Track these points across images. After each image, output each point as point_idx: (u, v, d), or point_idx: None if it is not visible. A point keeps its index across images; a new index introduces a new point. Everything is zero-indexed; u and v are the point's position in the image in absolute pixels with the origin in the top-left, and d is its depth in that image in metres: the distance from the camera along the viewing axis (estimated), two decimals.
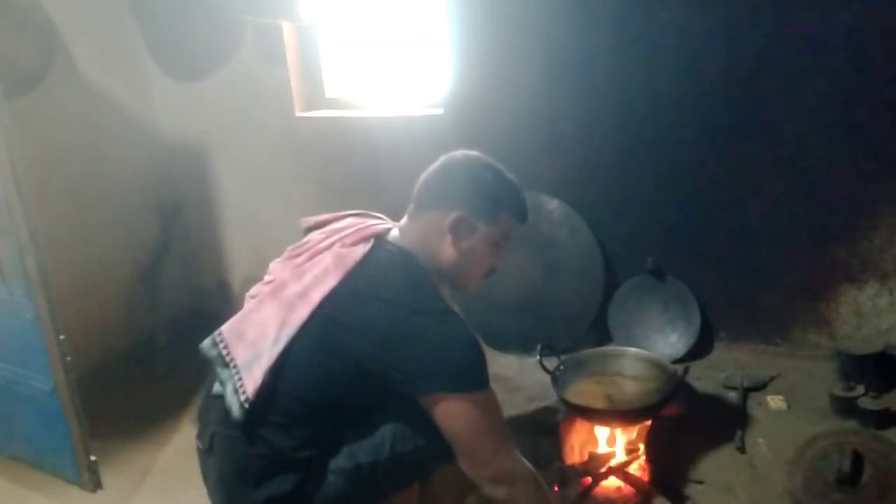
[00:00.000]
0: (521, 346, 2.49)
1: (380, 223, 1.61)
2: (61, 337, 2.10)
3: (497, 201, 1.56)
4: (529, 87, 2.49)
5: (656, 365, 2.12)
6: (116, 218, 3.08)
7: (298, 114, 2.97)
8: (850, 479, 1.68)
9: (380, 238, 1.55)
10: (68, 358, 2.12)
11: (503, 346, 2.58)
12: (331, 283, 1.45)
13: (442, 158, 1.60)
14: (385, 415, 1.51)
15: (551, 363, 2.10)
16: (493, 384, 1.82)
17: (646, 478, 1.93)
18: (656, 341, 2.43)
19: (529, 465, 1.49)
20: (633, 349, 2.21)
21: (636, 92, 2.35)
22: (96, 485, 2.26)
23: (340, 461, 1.49)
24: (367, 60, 2.97)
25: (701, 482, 1.85)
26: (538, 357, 2.10)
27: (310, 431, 1.47)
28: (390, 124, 2.78)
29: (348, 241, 1.52)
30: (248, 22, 2.85)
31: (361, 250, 1.49)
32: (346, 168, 2.90)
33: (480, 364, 1.45)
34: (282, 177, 3.06)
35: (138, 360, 3.06)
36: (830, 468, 1.71)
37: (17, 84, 2.55)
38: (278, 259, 1.63)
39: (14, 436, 2.41)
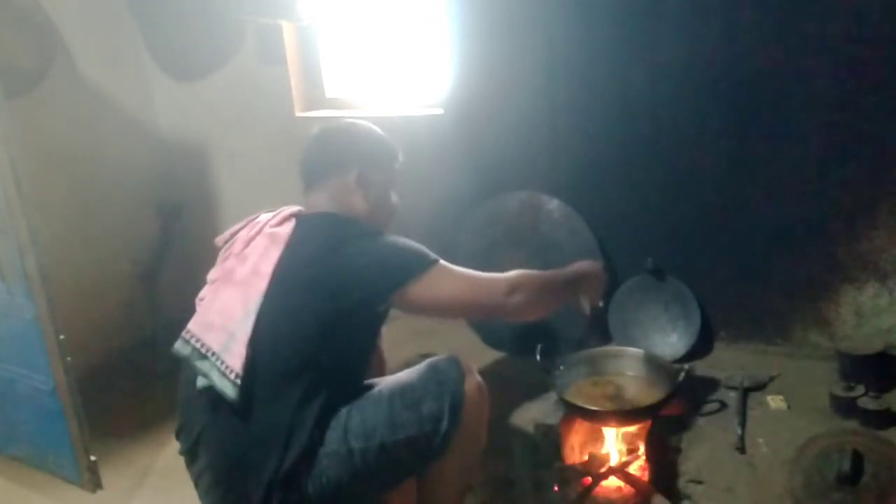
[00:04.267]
0: (521, 346, 2.48)
1: (291, 207, 1.74)
2: (61, 337, 2.10)
3: (376, 148, 1.80)
4: (529, 87, 2.49)
5: (656, 365, 2.12)
6: (116, 218, 3.08)
7: (298, 114, 2.97)
8: (850, 479, 1.68)
9: (298, 214, 1.69)
10: (68, 358, 2.12)
11: (503, 346, 2.58)
12: (275, 255, 1.57)
13: (312, 138, 1.83)
14: (376, 401, 1.55)
15: (551, 363, 2.10)
16: (493, 384, 1.84)
17: (646, 478, 1.93)
18: (656, 341, 2.42)
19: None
20: (633, 349, 2.21)
21: (636, 92, 2.35)
22: (96, 485, 2.26)
23: (334, 445, 1.51)
24: (367, 60, 2.97)
25: (701, 482, 1.85)
26: (538, 357, 2.10)
27: (299, 399, 1.49)
28: (390, 124, 2.76)
29: (273, 222, 1.65)
30: (248, 22, 2.85)
31: (290, 225, 1.63)
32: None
33: (423, 247, 1.63)
34: (281, 177, 3.04)
35: (138, 360, 3.06)
36: (830, 468, 1.71)
37: (17, 84, 2.56)
38: (213, 268, 1.74)
39: (14, 436, 2.42)
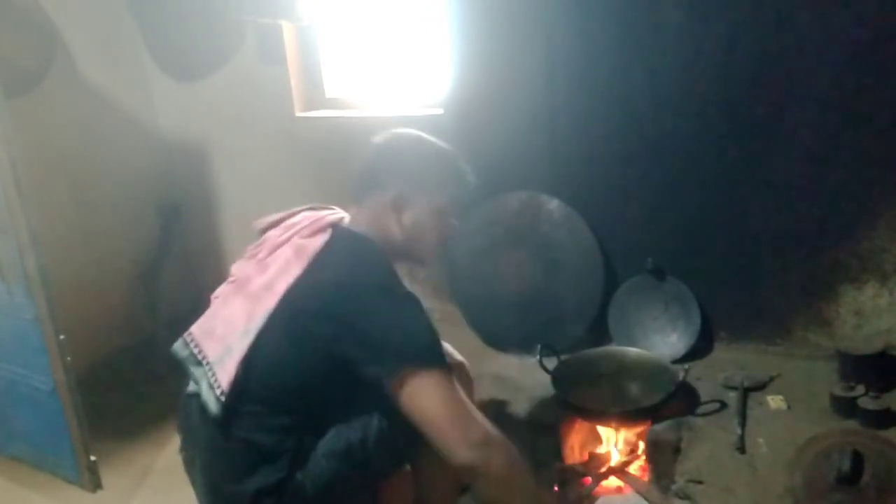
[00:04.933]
0: (521, 346, 2.49)
1: (333, 213, 1.64)
2: (61, 337, 2.10)
3: (435, 173, 1.61)
4: (529, 87, 2.49)
5: (656, 365, 2.12)
6: (116, 218, 3.08)
7: (298, 114, 2.97)
8: (850, 479, 1.68)
9: (336, 227, 1.57)
10: (68, 358, 2.12)
11: (503, 346, 2.58)
12: (294, 272, 1.47)
13: (377, 141, 1.64)
14: (368, 396, 1.50)
15: (551, 363, 2.10)
16: (493, 384, 1.82)
17: (646, 478, 1.93)
18: (656, 341, 2.42)
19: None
20: (633, 349, 2.22)
21: (636, 92, 2.35)
22: (96, 485, 2.26)
23: (331, 444, 1.49)
24: (367, 60, 2.97)
25: (701, 482, 1.85)
26: (538, 357, 2.10)
27: (289, 420, 1.47)
28: (390, 124, 2.76)
29: (306, 232, 1.54)
30: (248, 22, 2.85)
31: (320, 240, 1.52)
32: (346, 168, 2.89)
33: (439, 342, 1.47)
34: (281, 177, 3.06)
35: (138, 360, 3.06)
36: (830, 468, 1.71)
37: (17, 84, 2.55)
38: (239, 259, 1.66)
39: (14, 436, 2.42)
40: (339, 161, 2.90)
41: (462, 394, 1.44)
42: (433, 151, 1.63)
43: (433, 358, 1.42)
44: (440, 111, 2.68)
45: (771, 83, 2.19)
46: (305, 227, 1.56)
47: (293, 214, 1.66)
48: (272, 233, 1.62)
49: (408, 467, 1.68)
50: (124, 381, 2.93)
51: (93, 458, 2.23)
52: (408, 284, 1.52)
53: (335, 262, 1.48)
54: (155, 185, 3.24)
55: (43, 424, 2.26)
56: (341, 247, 1.52)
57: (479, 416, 1.44)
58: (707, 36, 2.22)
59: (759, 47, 2.17)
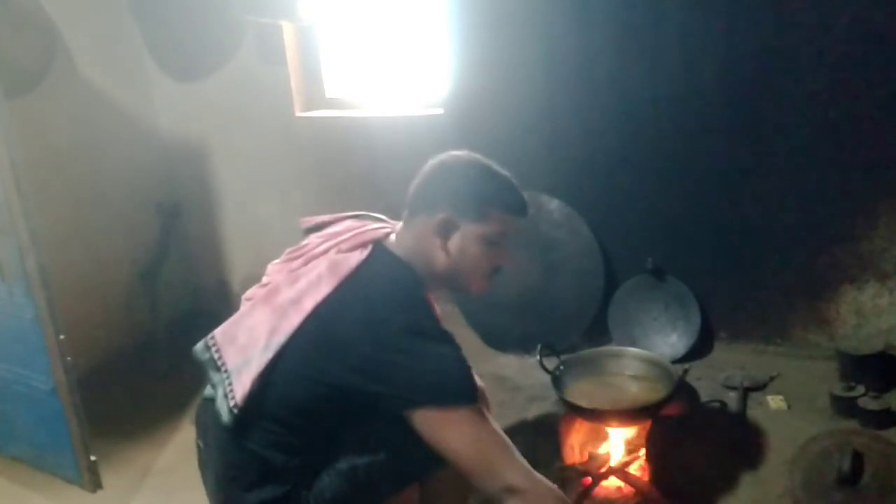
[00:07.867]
0: (521, 346, 2.49)
1: (378, 227, 1.58)
2: (61, 337, 2.10)
3: (484, 199, 1.51)
4: (529, 87, 2.49)
5: (656, 365, 2.12)
6: (116, 218, 3.08)
7: (298, 114, 2.97)
8: (850, 479, 1.68)
9: (377, 244, 1.51)
10: (68, 358, 2.12)
11: (503, 346, 2.58)
12: (324, 290, 1.42)
13: (430, 161, 1.56)
14: (382, 424, 1.45)
15: (551, 363, 2.10)
16: (493, 384, 1.80)
17: (646, 478, 1.93)
18: (656, 341, 2.43)
19: (540, 475, 1.42)
20: (633, 349, 2.21)
21: (636, 92, 2.35)
22: (96, 485, 2.25)
23: (338, 465, 1.48)
24: (367, 60, 2.97)
25: (700, 482, 1.85)
26: (538, 357, 2.10)
27: (300, 440, 1.45)
28: (390, 124, 2.78)
29: (344, 246, 1.49)
30: (248, 22, 2.85)
31: (357, 258, 1.46)
32: (346, 168, 2.90)
33: (471, 379, 1.41)
34: (281, 177, 3.06)
35: (138, 360, 3.06)
36: (830, 468, 1.71)
37: (17, 84, 2.55)
38: (276, 261, 1.62)
39: (14, 436, 2.41)
40: (339, 161, 2.91)
41: (496, 430, 1.38)
42: (485, 176, 1.53)
43: (460, 400, 1.37)
44: (440, 111, 2.68)
45: (771, 83, 2.19)
46: (346, 239, 1.51)
47: (338, 220, 1.62)
48: (313, 239, 1.58)
49: (415, 485, 1.66)
50: (124, 381, 2.93)
51: (93, 458, 2.23)
52: (440, 312, 1.49)
53: (366, 288, 1.43)
54: (155, 185, 3.24)
55: (43, 424, 2.26)
56: (376, 271, 1.45)
57: (516, 458, 1.37)
58: (707, 35, 2.22)
59: (759, 47, 2.17)
